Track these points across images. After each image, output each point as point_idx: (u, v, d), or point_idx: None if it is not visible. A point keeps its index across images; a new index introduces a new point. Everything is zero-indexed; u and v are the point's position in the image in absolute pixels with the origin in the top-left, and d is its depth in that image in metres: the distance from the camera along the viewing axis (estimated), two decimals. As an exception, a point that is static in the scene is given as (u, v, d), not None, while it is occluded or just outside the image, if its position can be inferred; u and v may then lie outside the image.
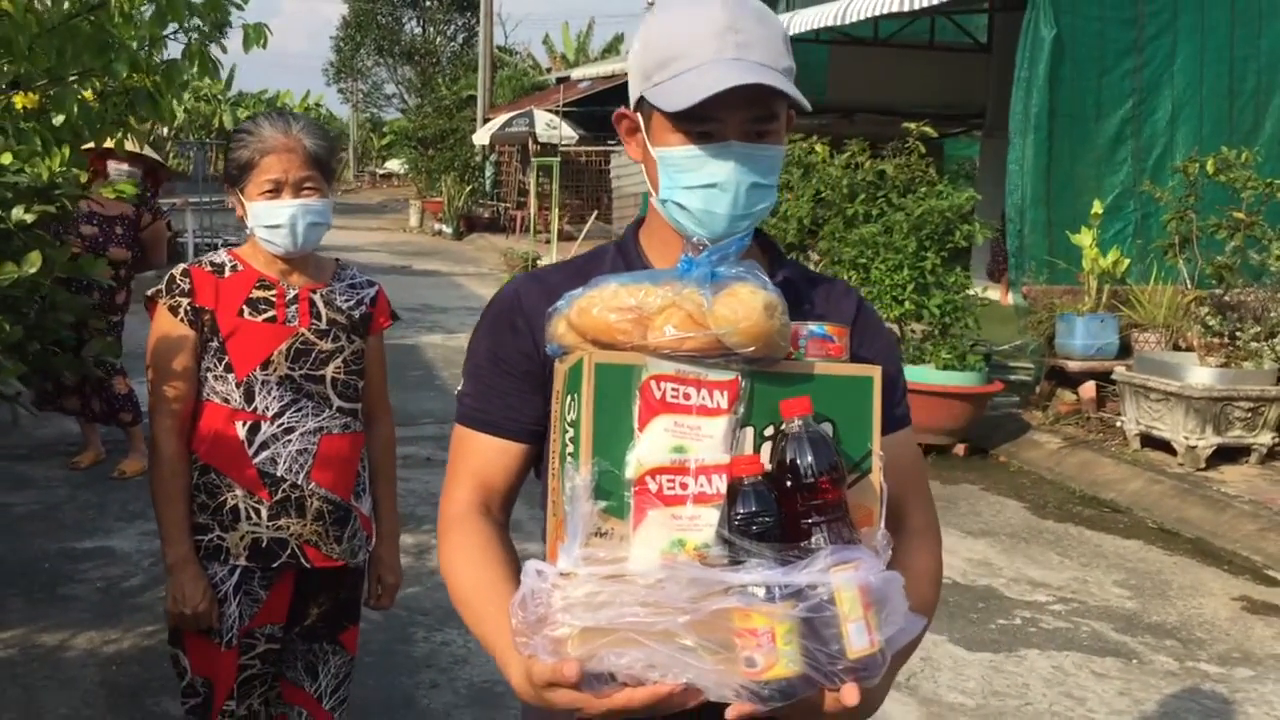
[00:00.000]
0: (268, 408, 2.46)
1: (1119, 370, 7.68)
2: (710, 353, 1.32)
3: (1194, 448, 7.05)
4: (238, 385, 2.45)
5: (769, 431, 1.36)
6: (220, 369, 2.46)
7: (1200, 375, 7.11)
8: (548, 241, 17.59)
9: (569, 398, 1.34)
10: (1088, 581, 5.43)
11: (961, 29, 14.35)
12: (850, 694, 1.26)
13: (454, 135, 28.20)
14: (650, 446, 1.30)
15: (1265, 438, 7.12)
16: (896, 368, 1.62)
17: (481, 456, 1.55)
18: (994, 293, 13.70)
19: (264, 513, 2.47)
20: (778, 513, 1.31)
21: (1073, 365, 8.17)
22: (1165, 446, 7.28)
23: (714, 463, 1.32)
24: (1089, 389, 8.12)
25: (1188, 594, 5.32)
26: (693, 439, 1.32)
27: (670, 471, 1.30)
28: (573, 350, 1.36)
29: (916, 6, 10.53)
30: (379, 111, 44.68)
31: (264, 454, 2.46)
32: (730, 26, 1.41)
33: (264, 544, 2.48)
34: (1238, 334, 7.47)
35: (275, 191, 2.41)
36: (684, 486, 1.30)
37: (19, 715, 3.66)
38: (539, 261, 16.56)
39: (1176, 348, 7.86)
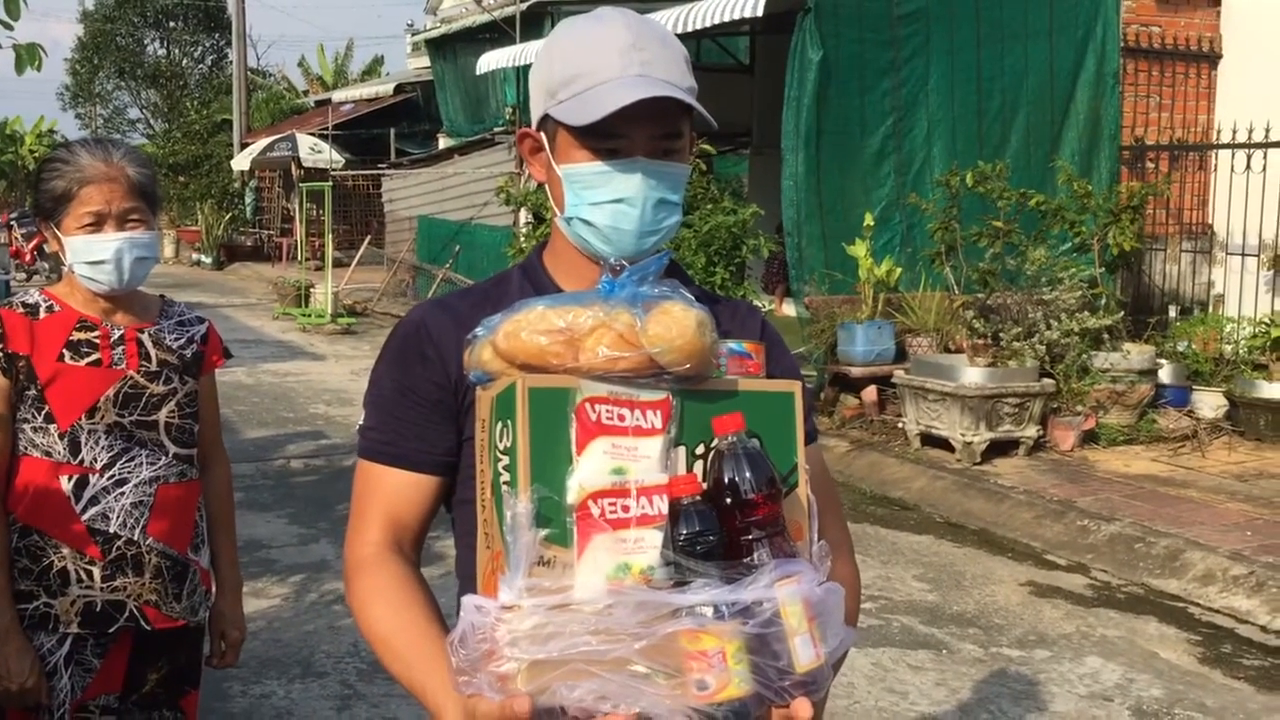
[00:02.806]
0: (96, 459, 2.26)
1: (898, 374, 8.08)
2: (642, 372, 1.30)
3: (970, 444, 7.48)
4: (61, 436, 2.25)
5: (700, 450, 1.36)
6: (40, 419, 2.24)
7: (971, 375, 7.56)
8: (319, 269, 17.04)
9: (500, 425, 1.29)
10: (890, 578, 5.67)
11: (725, 50, 14.82)
12: (803, 708, 1.27)
13: (209, 161, 27.04)
14: (591, 469, 1.27)
15: (1031, 431, 7.64)
16: (803, 383, 1.64)
17: (391, 492, 1.48)
18: (771, 304, 14.21)
19: (96, 574, 2.26)
20: (720, 531, 1.30)
21: (855, 371, 8.53)
22: (944, 444, 7.69)
23: (654, 483, 1.30)
24: (871, 393, 8.50)
25: (980, 583, 5.64)
26: (630, 460, 1.30)
27: (612, 494, 1.27)
28: (499, 376, 1.32)
29: (681, 30, 10.80)
30: (123, 137, 42.27)
31: (93, 509, 2.26)
32: (634, 45, 1.41)
33: (98, 608, 2.27)
34: (1001, 335, 7.99)
35: (97, 224, 2.22)
36: (626, 509, 1.28)
37: None
38: (313, 289, 16.02)
39: (947, 350, 8.33)
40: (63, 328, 2.28)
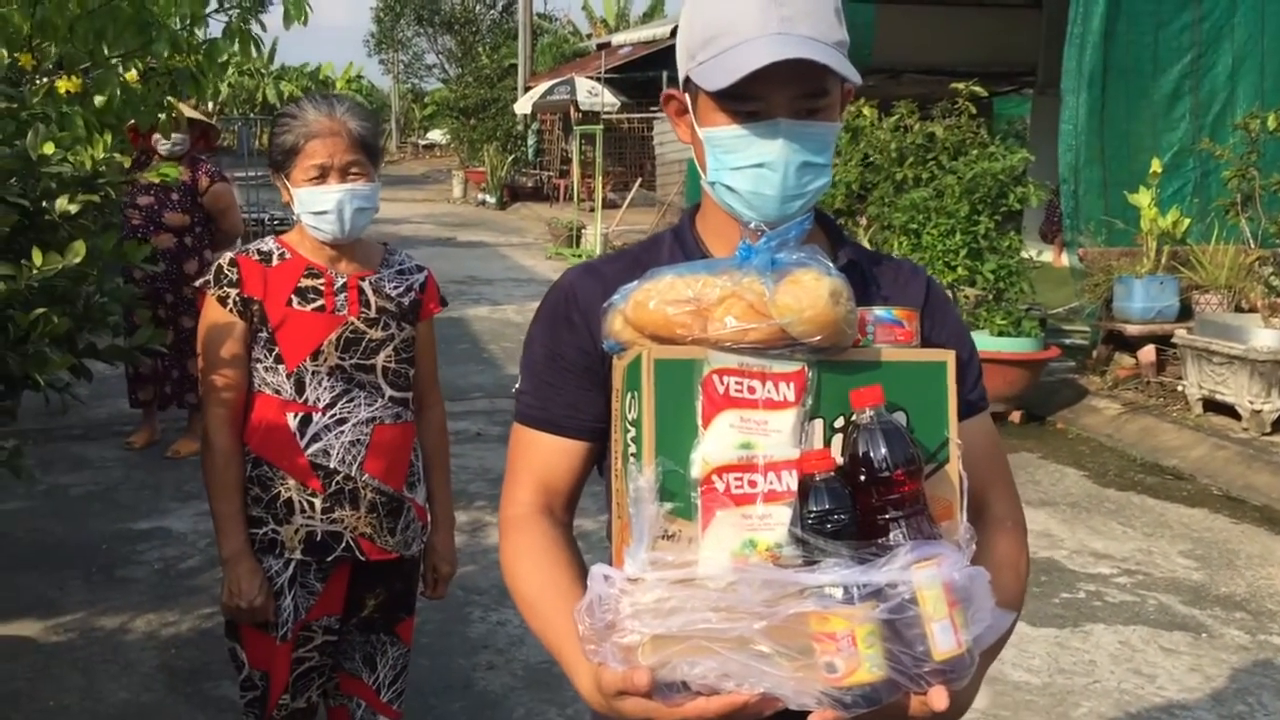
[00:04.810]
0: (319, 399, 2.42)
1: (1180, 333, 7.51)
2: (774, 344, 1.26)
3: (1259, 412, 6.88)
4: (288, 376, 2.41)
5: (839, 423, 1.30)
6: (270, 360, 2.42)
7: (1265, 337, 6.93)
8: (592, 210, 17.50)
9: (629, 396, 1.29)
10: (1152, 552, 5.31)
11: (1011, -15, 14.04)
12: (939, 697, 1.21)
13: (495, 104, 28.13)
14: (716, 444, 1.24)
15: (1334, 401, 6.93)
16: (969, 350, 1.55)
17: (542, 456, 1.50)
18: (1047, 255, 13.49)
19: (318, 505, 2.43)
20: (853, 509, 1.25)
21: (1131, 329, 7.99)
22: (1229, 411, 7.11)
23: (783, 458, 1.26)
24: (1148, 353, 7.94)
25: (1256, 564, 5.19)
26: (760, 434, 1.26)
27: (738, 469, 1.24)
28: (630, 346, 1.31)
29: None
30: (420, 82, 44.73)
31: (316, 445, 2.42)
32: (774, 0, 1.34)
33: (318, 537, 2.45)
34: (1303, 294, 7.27)
35: (321, 177, 2.35)
36: (753, 484, 1.25)
37: (79, 699, 3.69)
38: (584, 230, 16.49)
39: (1239, 309, 7.67)
40: (292, 274, 2.44)
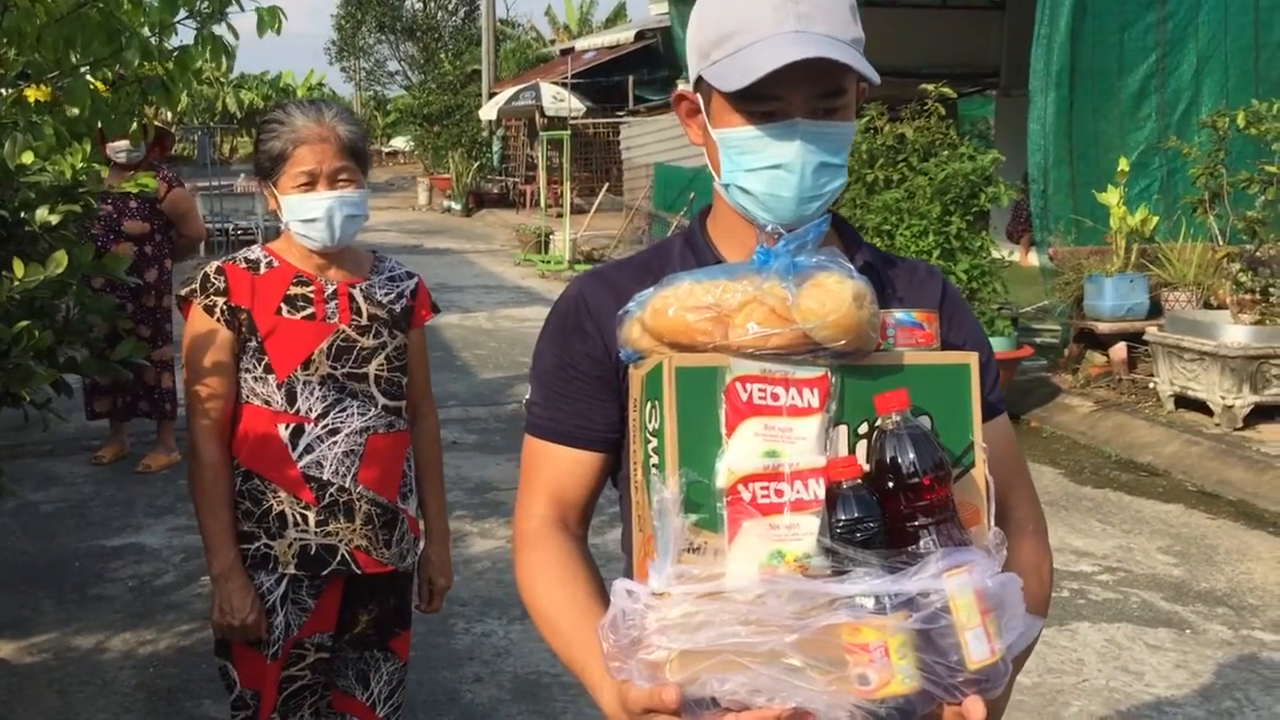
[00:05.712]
0: (311, 409, 2.36)
1: (1151, 331, 7.57)
2: (797, 349, 1.23)
3: (1231, 407, 6.93)
4: (279, 386, 2.35)
5: (863, 429, 1.28)
6: (260, 370, 2.36)
7: (1235, 333, 6.99)
8: (559, 216, 17.45)
9: (649, 405, 1.25)
10: (1132, 549, 5.34)
11: (974, -14, 14.15)
12: (975, 707, 1.18)
13: (459, 111, 27.99)
14: (741, 452, 1.22)
15: (1303, 395, 7.00)
16: (987, 352, 1.53)
17: (555, 468, 1.47)
18: (1014, 254, 13.58)
19: (311, 518, 2.37)
20: (882, 517, 1.23)
21: (1102, 327, 8.05)
22: (1201, 407, 7.16)
23: (809, 466, 1.23)
24: (1120, 350, 8.00)
25: (1235, 559, 5.22)
26: (785, 442, 1.23)
27: (764, 478, 1.22)
28: (649, 354, 1.27)
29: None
30: (382, 89, 44.43)
31: (309, 457, 2.37)
32: None
33: (313, 550, 2.39)
34: (1271, 290, 7.32)
35: (310, 184, 2.30)
36: (780, 494, 1.22)
37: (58, 721, 3.61)
38: (552, 236, 16.43)
39: (1208, 306, 7.74)
40: (281, 282, 2.38)
